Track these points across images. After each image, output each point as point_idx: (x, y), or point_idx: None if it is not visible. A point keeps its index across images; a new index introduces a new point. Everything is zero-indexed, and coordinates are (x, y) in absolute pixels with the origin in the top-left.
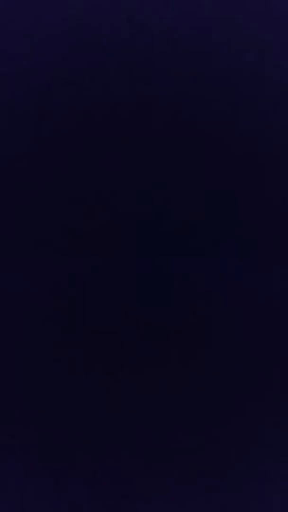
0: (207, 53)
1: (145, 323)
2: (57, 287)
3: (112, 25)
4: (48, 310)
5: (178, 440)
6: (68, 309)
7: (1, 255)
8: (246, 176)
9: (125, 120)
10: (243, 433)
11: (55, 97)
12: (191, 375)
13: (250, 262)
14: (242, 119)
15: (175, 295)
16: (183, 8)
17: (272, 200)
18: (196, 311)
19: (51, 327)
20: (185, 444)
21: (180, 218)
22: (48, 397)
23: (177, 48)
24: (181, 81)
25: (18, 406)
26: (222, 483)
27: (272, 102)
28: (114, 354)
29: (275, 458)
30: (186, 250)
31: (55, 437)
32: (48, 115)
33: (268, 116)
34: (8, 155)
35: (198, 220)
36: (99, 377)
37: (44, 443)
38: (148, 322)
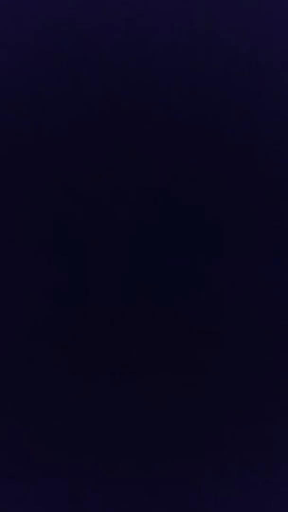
0: (207, 54)
1: (145, 323)
2: (57, 287)
3: (112, 24)
4: (48, 309)
5: (180, 440)
6: (68, 309)
7: (1, 254)
8: (246, 178)
9: (125, 118)
10: (247, 431)
11: (55, 96)
12: (192, 376)
13: (251, 261)
14: (243, 120)
15: (176, 295)
16: (184, 8)
17: (273, 199)
18: (197, 311)
19: (51, 327)
20: (188, 443)
21: (181, 218)
22: (47, 397)
23: (178, 47)
24: (181, 81)
25: (17, 406)
26: (224, 485)
27: (272, 103)
28: (114, 354)
29: (279, 461)
30: (186, 250)
31: (55, 437)
32: (47, 117)
33: (269, 118)
34: (7, 155)
35: (198, 219)
36: (100, 377)
37: (45, 441)
38: (149, 322)
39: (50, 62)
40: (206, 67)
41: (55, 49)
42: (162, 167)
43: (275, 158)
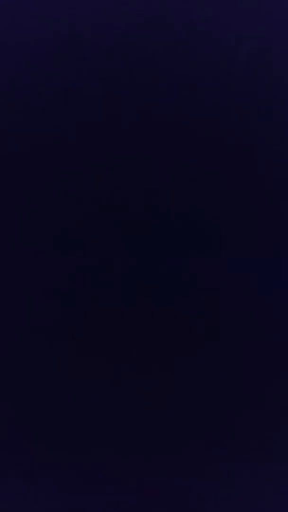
0: (207, 54)
1: (145, 323)
2: (57, 287)
3: (112, 24)
4: (48, 309)
5: (180, 440)
6: (68, 309)
7: (1, 254)
8: (246, 178)
9: (125, 118)
10: (247, 431)
11: (55, 96)
12: (192, 376)
13: (251, 261)
14: (243, 120)
15: (176, 295)
16: (184, 8)
17: (273, 199)
18: (197, 311)
19: (51, 327)
20: (188, 443)
21: (181, 217)
22: (47, 397)
23: (178, 47)
24: (181, 81)
25: (17, 405)
26: (224, 484)
27: (272, 103)
28: (114, 354)
29: (279, 461)
30: (186, 250)
31: (55, 437)
32: (47, 117)
33: (269, 118)
34: (8, 155)
35: (198, 219)
36: (100, 377)
37: (45, 441)
38: (149, 322)
39: (50, 62)
40: (206, 68)
41: (55, 49)
42: (162, 167)
43: (275, 158)
